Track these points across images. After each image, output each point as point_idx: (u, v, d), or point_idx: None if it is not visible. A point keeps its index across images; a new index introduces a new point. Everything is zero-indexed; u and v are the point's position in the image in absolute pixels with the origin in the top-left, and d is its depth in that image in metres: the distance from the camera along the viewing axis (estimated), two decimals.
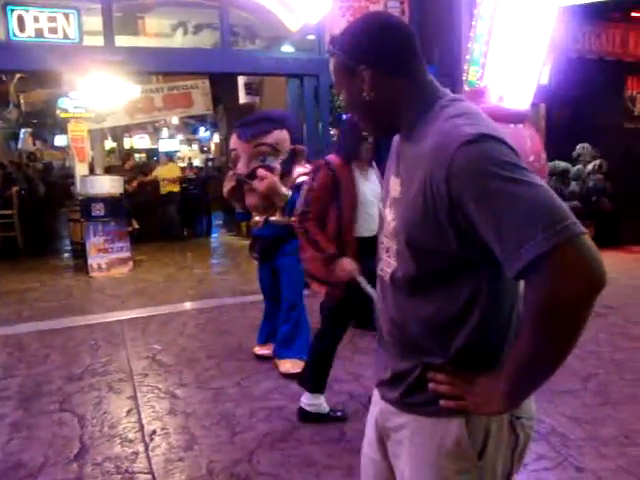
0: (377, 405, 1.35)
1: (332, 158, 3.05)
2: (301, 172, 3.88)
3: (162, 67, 6.20)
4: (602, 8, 6.03)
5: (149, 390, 3.71)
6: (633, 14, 6.70)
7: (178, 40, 8.78)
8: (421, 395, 1.19)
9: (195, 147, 21.60)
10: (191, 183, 11.47)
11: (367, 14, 1.29)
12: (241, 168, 3.77)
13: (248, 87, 9.44)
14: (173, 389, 3.71)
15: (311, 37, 6.34)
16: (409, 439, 1.22)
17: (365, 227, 3.01)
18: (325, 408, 3.20)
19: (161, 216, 10.18)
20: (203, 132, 20.00)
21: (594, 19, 6.74)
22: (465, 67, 5.68)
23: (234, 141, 3.86)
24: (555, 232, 0.94)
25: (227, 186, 3.86)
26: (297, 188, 3.77)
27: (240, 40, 7.63)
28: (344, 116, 7.31)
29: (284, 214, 3.80)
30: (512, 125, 5.30)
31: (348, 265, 2.89)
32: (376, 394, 1.35)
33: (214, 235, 11.21)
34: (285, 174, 3.79)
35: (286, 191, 3.73)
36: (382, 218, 1.28)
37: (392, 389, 1.25)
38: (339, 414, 3.24)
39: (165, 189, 10.18)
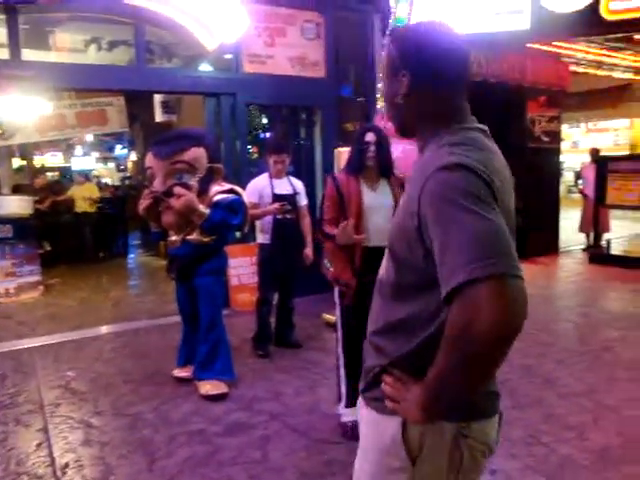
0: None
1: (339, 174, 3.25)
2: (218, 190, 3.86)
3: (75, 83, 5.96)
4: (501, 38, 6.46)
5: (62, 421, 3.53)
6: (528, 45, 7.25)
7: (92, 56, 8.52)
8: (376, 392, 1.28)
9: (111, 165, 20.92)
10: (107, 203, 11.08)
11: (434, 23, 1.28)
12: (157, 186, 3.71)
13: (164, 105, 9.30)
14: (88, 418, 3.56)
15: (228, 56, 6.34)
16: (364, 429, 1.36)
17: (372, 236, 3.10)
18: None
19: (75, 237, 9.75)
20: (120, 150, 19.43)
21: (494, 46, 7.18)
22: (378, 89, 5.87)
23: (150, 159, 3.79)
24: (478, 267, 0.98)
25: (143, 204, 3.77)
26: (215, 206, 3.77)
27: (156, 58, 7.51)
28: (262, 134, 7.37)
29: (202, 233, 3.77)
30: None
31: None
32: None
33: (131, 256, 10.87)
34: (202, 192, 3.75)
35: (204, 209, 3.69)
36: None
37: (362, 381, 1.38)
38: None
39: (80, 209, 9.78)
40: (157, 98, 9.37)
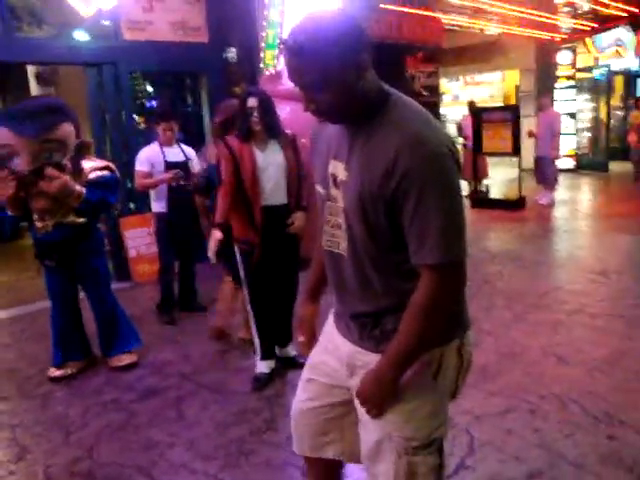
0: (337, 351, 1.59)
1: (230, 138, 3.30)
2: (95, 166, 3.62)
3: None
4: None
5: None
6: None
7: None
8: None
9: None
10: None
11: (338, 17, 1.29)
12: (23, 166, 3.30)
13: (40, 77, 8.74)
14: None
15: (107, 23, 6.09)
16: None
17: (267, 196, 3.28)
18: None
19: None
20: None
21: (373, 7, 7.43)
22: (262, 51, 5.94)
23: (7, 136, 3.27)
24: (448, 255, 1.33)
25: (5, 189, 3.33)
26: (91, 185, 3.52)
27: (25, 26, 7.03)
28: (148, 103, 7.19)
29: (76, 213, 3.53)
30: None
31: (213, 240, 3.27)
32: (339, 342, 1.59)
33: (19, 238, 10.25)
34: (75, 171, 3.48)
35: (80, 189, 3.44)
36: (323, 198, 1.50)
37: (366, 340, 1.49)
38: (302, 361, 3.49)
39: None
40: (30, 70, 8.78)
